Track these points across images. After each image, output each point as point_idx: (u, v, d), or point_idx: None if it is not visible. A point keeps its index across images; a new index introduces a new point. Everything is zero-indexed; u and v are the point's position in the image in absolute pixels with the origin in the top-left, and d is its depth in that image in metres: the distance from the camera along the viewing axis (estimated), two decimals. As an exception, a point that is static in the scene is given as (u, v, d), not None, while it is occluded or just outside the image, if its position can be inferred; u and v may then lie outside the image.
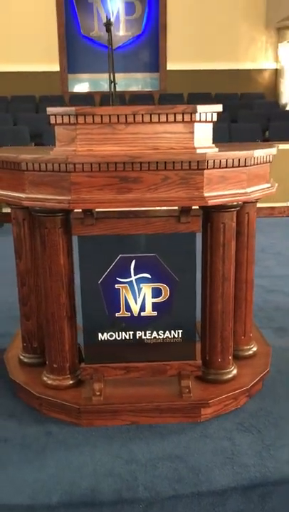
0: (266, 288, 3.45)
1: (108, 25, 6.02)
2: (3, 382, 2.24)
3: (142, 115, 1.76)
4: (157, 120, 1.77)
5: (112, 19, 9.02)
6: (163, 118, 1.77)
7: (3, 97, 8.55)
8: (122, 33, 9.35)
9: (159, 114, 1.76)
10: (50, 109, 1.79)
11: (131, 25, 9.34)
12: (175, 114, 1.77)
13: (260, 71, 9.18)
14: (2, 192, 1.93)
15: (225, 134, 6.93)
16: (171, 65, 9.06)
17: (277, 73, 9.16)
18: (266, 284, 3.53)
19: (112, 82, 5.46)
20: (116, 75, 5.39)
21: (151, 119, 1.77)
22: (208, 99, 8.76)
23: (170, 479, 1.68)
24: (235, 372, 2.11)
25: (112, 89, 5.54)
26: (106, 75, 6.49)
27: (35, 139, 6.75)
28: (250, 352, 2.30)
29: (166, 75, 9.13)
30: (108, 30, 6.16)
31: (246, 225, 2.16)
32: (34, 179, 1.78)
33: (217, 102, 7.30)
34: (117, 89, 8.75)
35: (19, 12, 8.59)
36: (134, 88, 9.50)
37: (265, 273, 3.78)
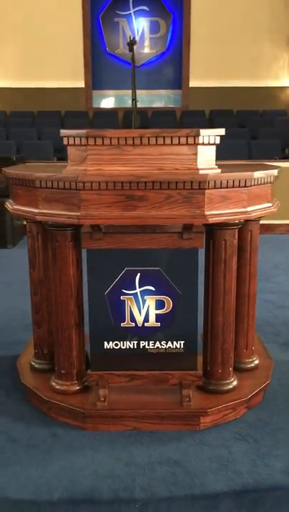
0: (275, 303, 3.52)
1: (131, 44, 6.21)
2: (15, 386, 2.36)
3: (149, 138, 1.88)
4: (163, 142, 1.89)
5: (137, 37, 9.28)
6: (168, 141, 1.89)
7: (30, 112, 8.84)
8: (146, 50, 9.57)
9: (164, 137, 1.88)
10: (63, 131, 1.93)
11: (155, 43, 9.55)
12: (179, 137, 1.88)
13: (282, 88, 9.27)
14: (19, 207, 2.07)
15: (244, 150, 7.03)
16: (193, 82, 9.22)
17: (299, 91, 9.23)
18: (276, 299, 3.59)
19: (134, 99, 5.64)
20: (139, 91, 5.56)
21: (157, 142, 1.89)
22: (229, 116, 8.88)
23: (166, 482, 1.76)
24: (235, 383, 2.19)
25: (134, 107, 5.69)
26: (129, 92, 6.68)
27: (58, 154, 6.96)
28: (252, 365, 2.38)
29: (189, 92, 9.29)
30: (131, 49, 6.36)
31: (249, 242, 2.26)
32: (47, 196, 1.92)
33: (238, 119, 7.48)
34: (140, 105, 8.98)
35: (46, 30, 8.89)
36: (157, 104, 9.69)
37: (276, 289, 3.85)
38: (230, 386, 2.17)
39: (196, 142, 1.90)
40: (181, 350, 2.10)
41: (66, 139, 1.92)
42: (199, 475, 1.80)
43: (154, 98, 9.71)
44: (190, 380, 2.10)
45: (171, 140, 1.89)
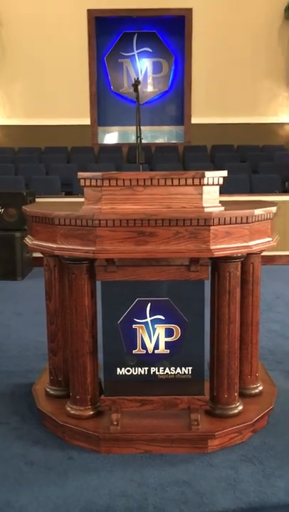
0: (278, 333, 3.64)
1: (136, 85, 6.52)
2: (31, 412, 2.48)
3: (158, 179, 2.06)
4: (171, 183, 2.07)
5: (141, 77, 9.68)
6: (176, 182, 2.07)
7: (38, 148, 9.14)
8: (149, 89, 9.96)
9: (172, 179, 2.06)
10: (80, 174, 2.11)
11: (158, 82, 9.95)
12: (186, 178, 2.07)
13: (280, 125, 9.59)
14: (38, 242, 2.24)
15: (246, 184, 7.25)
16: (195, 119, 9.55)
17: (297, 127, 9.55)
18: (278, 329, 3.72)
19: (138, 137, 5.90)
20: (142, 127, 5.81)
21: (165, 183, 2.07)
22: (230, 151, 9.17)
23: (177, 501, 1.87)
24: (240, 408, 2.31)
25: (138, 143, 5.94)
26: (133, 128, 6.96)
27: (65, 188, 7.20)
28: (257, 391, 2.49)
29: (191, 128, 9.61)
30: (136, 89, 6.67)
31: (251, 273, 2.41)
32: (65, 232, 2.09)
33: (239, 154, 7.74)
34: (144, 141, 9.29)
35: (54, 70, 9.28)
36: (160, 140, 10.02)
37: (279, 318, 3.98)
38: (236, 411, 2.29)
39: (202, 183, 2.08)
40: (189, 376, 2.23)
41: (83, 180, 2.10)
42: (208, 494, 1.90)
43: (157, 134, 10.05)
44: (198, 405, 2.22)
45: (179, 181, 2.07)
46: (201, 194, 2.09)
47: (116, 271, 2.13)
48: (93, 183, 2.09)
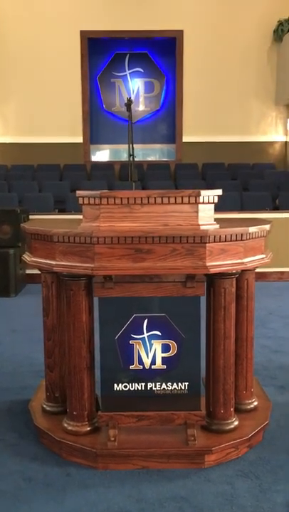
0: (271, 348, 3.68)
1: (128, 104, 6.63)
2: (28, 428, 2.48)
3: (155, 198, 2.11)
4: (167, 202, 2.12)
5: (133, 96, 9.82)
6: (172, 200, 2.12)
7: (30, 165, 9.20)
8: (141, 108, 10.11)
9: (169, 197, 2.11)
10: (79, 193, 2.15)
11: (150, 102, 10.10)
12: (182, 197, 2.12)
13: (270, 143, 9.76)
14: (36, 259, 2.27)
15: (237, 201, 7.35)
16: (186, 138, 9.69)
17: (286, 145, 9.71)
18: (271, 344, 3.76)
19: (131, 155, 5.98)
20: (135, 145, 5.89)
21: (162, 201, 2.12)
22: (221, 168, 9.30)
23: (175, 516, 1.88)
24: (236, 423, 2.33)
25: (131, 161, 6.01)
26: (125, 146, 7.04)
27: (58, 205, 7.24)
28: (252, 406, 2.52)
29: (182, 146, 9.74)
30: (129, 109, 6.78)
31: (246, 289, 2.46)
32: (64, 249, 2.12)
33: (230, 172, 7.85)
34: (136, 158, 9.33)
35: (47, 89, 9.39)
36: (151, 158, 10.14)
37: (271, 334, 4.02)
38: (232, 426, 2.31)
39: (198, 201, 2.13)
40: (185, 392, 2.25)
41: (82, 198, 2.15)
42: (206, 509, 1.92)
43: (149, 152, 10.17)
44: (194, 420, 2.24)
45: (175, 200, 2.12)
46: (197, 212, 2.14)
47: (113, 287, 2.16)
48: (91, 201, 2.13)
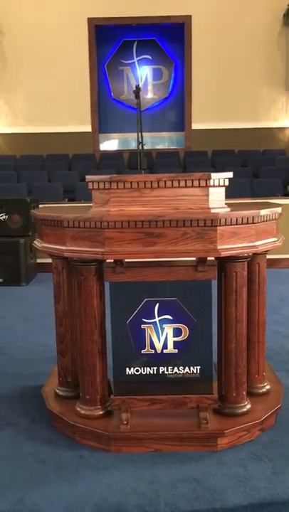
0: (283, 334, 3.67)
1: (136, 92, 6.58)
2: (41, 413, 2.51)
3: (165, 181, 2.10)
4: (178, 185, 2.11)
5: (141, 84, 9.76)
6: (182, 183, 2.10)
7: (39, 155, 9.21)
8: (150, 96, 10.05)
9: (179, 180, 2.10)
10: (88, 177, 2.15)
11: (158, 89, 10.04)
12: (192, 180, 2.10)
13: (281, 129, 9.66)
14: (47, 245, 2.28)
15: (247, 188, 7.31)
16: (196, 125, 9.63)
17: (297, 131, 9.63)
18: (283, 330, 3.75)
19: (140, 143, 5.95)
20: (144, 134, 5.86)
21: (172, 185, 2.11)
22: (231, 156, 9.23)
23: (188, 497, 1.89)
24: (249, 406, 2.33)
25: (140, 149, 6.01)
26: (134, 134, 7.01)
27: (67, 194, 7.25)
28: (264, 390, 2.52)
29: (191, 134, 9.68)
30: (137, 96, 6.73)
31: (257, 273, 2.44)
32: (74, 234, 2.12)
33: (240, 159, 7.80)
34: (145, 147, 9.31)
35: (55, 79, 9.37)
36: (160, 146, 10.09)
37: (283, 320, 4.00)
38: (245, 409, 2.31)
39: (208, 184, 2.11)
40: (197, 376, 2.26)
41: (91, 183, 2.14)
42: (219, 491, 1.93)
43: (158, 140, 10.12)
44: (207, 404, 2.24)
45: (185, 183, 2.10)
46: (208, 195, 2.13)
47: (124, 272, 2.16)
48: (101, 185, 2.12)
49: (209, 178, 2.10)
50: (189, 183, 2.11)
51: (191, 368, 2.25)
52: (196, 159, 9.03)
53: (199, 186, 2.12)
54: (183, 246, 2.06)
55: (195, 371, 2.25)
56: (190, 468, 2.07)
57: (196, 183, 2.11)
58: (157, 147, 9.98)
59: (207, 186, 2.12)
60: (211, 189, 2.13)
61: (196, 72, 9.51)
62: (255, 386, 2.50)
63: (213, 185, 2.13)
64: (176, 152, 9.54)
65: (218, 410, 2.31)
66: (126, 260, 2.18)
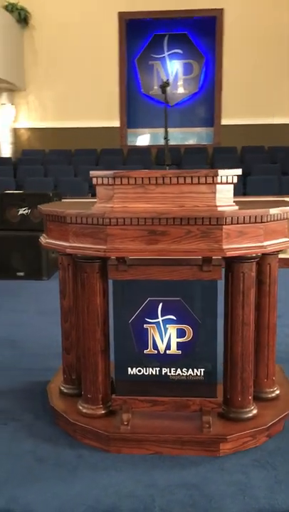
0: (299, 336, 3.55)
1: (163, 86, 6.51)
2: (45, 410, 2.49)
3: (170, 178, 2.04)
4: (183, 182, 2.04)
5: (171, 79, 9.66)
6: (188, 180, 2.04)
7: (68, 150, 9.25)
8: (180, 90, 9.94)
9: (184, 177, 2.04)
10: (92, 172, 2.11)
11: (188, 84, 9.92)
12: (199, 177, 2.03)
13: (312, 125, 9.41)
14: (51, 241, 2.26)
15: (275, 185, 7.15)
16: (225, 120, 9.48)
17: None
18: (300, 332, 3.63)
19: (165, 138, 5.88)
20: (172, 129, 5.81)
21: (178, 181, 2.04)
22: (261, 152, 9.04)
23: (184, 504, 1.84)
24: (255, 412, 2.25)
25: (165, 145, 5.95)
26: (163, 130, 6.94)
27: (93, 190, 7.24)
28: (273, 395, 2.43)
29: (221, 130, 9.54)
30: (164, 91, 6.66)
31: (268, 274, 2.36)
32: (76, 230, 2.09)
33: (270, 155, 7.61)
34: (174, 142, 9.26)
35: (84, 74, 9.38)
36: (189, 141, 9.98)
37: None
38: (250, 414, 2.24)
39: (215, 181, 2.04)
40: (201, 378, 2.19)
41: (95, 179, 2.10)
42: (216, 498, 1.87)
43: (187, 135, 10.02)
44: (210, 407, 2.18)
45: (191, 180, 2.04)
46: (215, 193, 2.06)
47: (127, 270, 2.11)
48: (105, 181, 2.08)
49: (216, 175, 2.03)
50: (195, 180, 2.04)
51: (195, 370, 2.19)
52: (225, 155, 8.89)
53: (206, 183, 2.05)
54: (187, 245, 1.99)
55: (199, 373, 2.19)
56: (190, 473, 2.02)
57: (202, 180, 2.04)
58: (186, 143, 9.87)
59: (214, 183, 2.05)
60: (218, 186, 2.06)
61: (227, 67, 9.35)
62: (263, 390, 2.42)
63: (221, 183, 2.06)
64: (204, 148, 9.42)
65: (223, 414, 2.24)
66: (130, 258, 2.13)
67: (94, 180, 2.11)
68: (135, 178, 2.05)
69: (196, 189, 2.06)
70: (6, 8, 9.14)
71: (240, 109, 9.28)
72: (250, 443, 2.18)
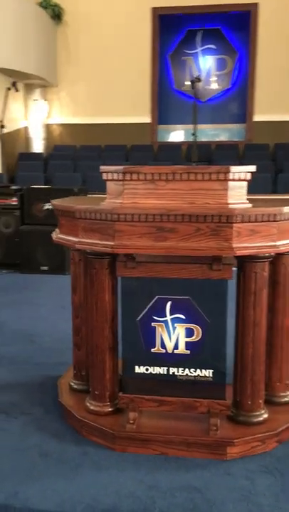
0: None
1: (193, 82, 6.44)
2: (54, 405, 2.49)
3: (181, 174, 2.00)
4: (194, 178, 1.99)
5: (204, 74, 9.55)
6: (199, 177, 1.99)
7: (98, 146, 9.27)
8: (212, 86, 9.82)
9: (195, 173, 1.99)
10: (102, 167, 2.08)
11: (221, 80, 9.79)
12: (210, 173, 1.98)
13: None
14: (62, 236, 2.24)
15: (306, 184, 6.96)
16: (258, 117, 9.31)
17: None
18: None
19: (194, 134, 5.82)
20: (204, 125, 5.73)
21: (188, 178, 2.00)
22: (294, 149, 8.84)
23: (185, 507, 1.80)
24: (266, 416, 2.19)
25: (193, 141, 5.87)
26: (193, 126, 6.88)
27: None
28: (286, 399, 2.36)
29: (253, 126, 9.37)
30: (193, 86, 6.58)
31: (283, 275, 2.28)
32: (85, 226, 2.07)
33: (304, 153, 7.22)
34: (205, 139, 9.16)
35: (116, 69, 9.37)
36: (221, 138, 9.84)
37: None
38: (260, 418, 2.17)
39: (227, 178, 1.98)
40: (210, 379, 2.14)
41: (105, 174, 2.07)
42: (218, 504, 1.82)
43: (219, 132, 9.88)
44: (218, 409, 2.13)
45: (203, 176, 1.99)
46: (227, 190, 2.00)
47: (135, 267, 2.08)
48: (115, 176, 2.05)
49: (228, 172, 1.97)
50: (207, 177, 1.99)
51: (203, 370, 2.14)
52: (256, 152, 8.73)
53: (218, 180, 1.99)
54: (195, 243, 1.95)
55: (207, 374, 2.14)
56: (194, 476, 1.97)
57: (214, 176, 1.98)
58: (217, 139, 9.75)
59: (226, 180, 1.99)
60: (230, 183, 2.00)
61: (261, 63, 9.17)
62: (276, 395, 2.35)
63: (233, 179, 2.00)
64: (235, 145, 9.27)
65: (232, 417, 2.18)
66: (139, 255, 2.10)
67: (104, 176, 2.09)
68: (145, 174, 2.01)
69: (208, 186, 2.00)
70: (41, 4, 9.22)
71: (273, 106, 9.09)
72: (258, 448, 2.12)
